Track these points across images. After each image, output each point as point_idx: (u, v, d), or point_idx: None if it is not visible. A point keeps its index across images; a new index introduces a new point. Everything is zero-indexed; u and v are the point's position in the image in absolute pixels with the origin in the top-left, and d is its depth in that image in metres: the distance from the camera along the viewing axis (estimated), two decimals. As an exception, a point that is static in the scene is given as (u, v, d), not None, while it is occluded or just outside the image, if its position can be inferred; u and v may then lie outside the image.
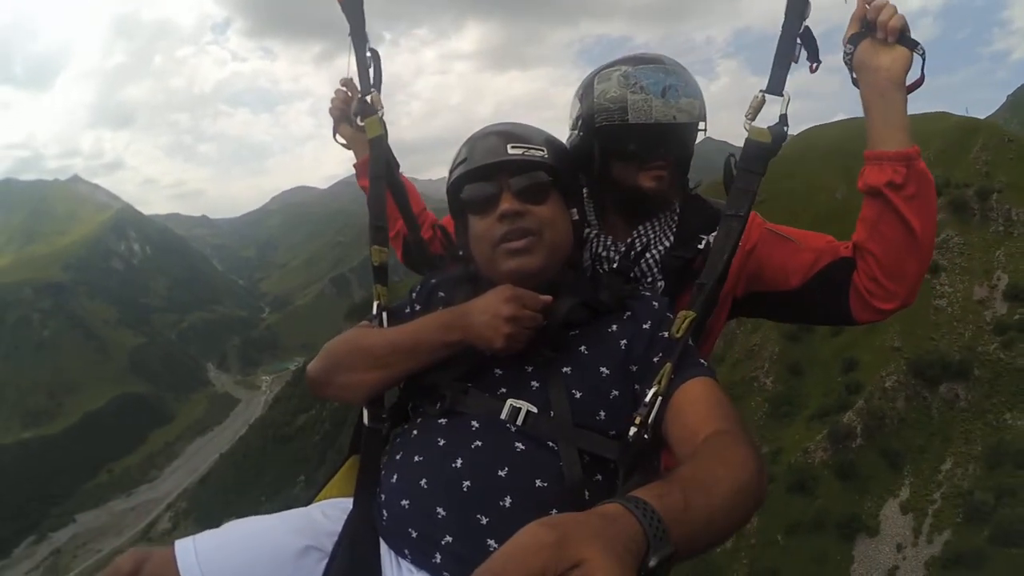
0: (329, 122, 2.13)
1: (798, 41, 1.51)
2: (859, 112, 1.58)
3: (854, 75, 1.57)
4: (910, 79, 1.52)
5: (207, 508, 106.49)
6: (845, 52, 1.58)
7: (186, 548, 1.23)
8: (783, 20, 1.50)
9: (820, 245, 1.69)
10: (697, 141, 1.76)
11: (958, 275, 42.56)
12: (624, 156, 1.67)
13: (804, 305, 1.71)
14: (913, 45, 1.50)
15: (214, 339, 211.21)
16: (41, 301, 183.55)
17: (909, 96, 1.54)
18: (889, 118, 1.50)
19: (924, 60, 1.51)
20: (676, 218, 1.76)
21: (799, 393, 42.99)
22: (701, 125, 1.70)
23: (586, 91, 1.73)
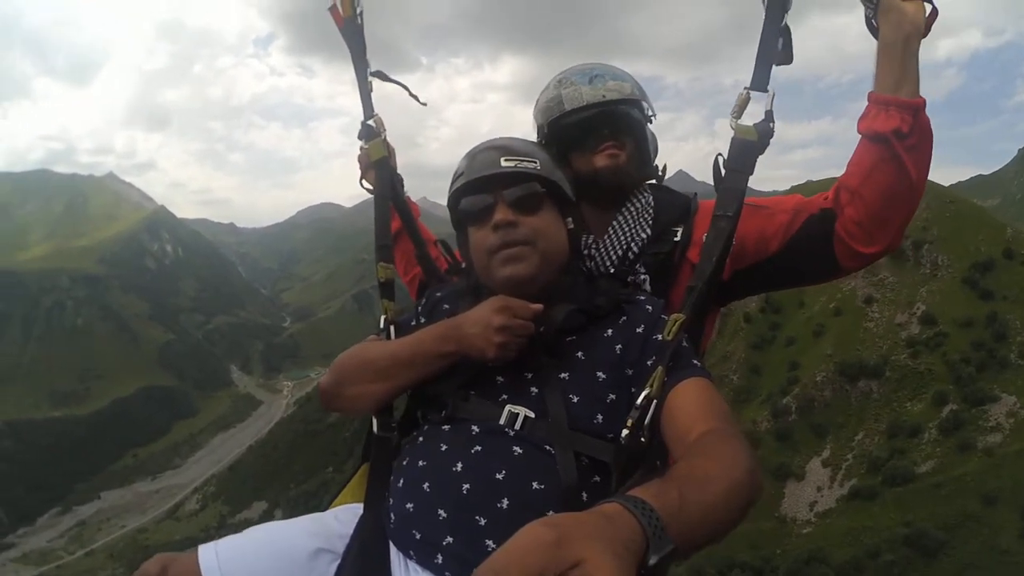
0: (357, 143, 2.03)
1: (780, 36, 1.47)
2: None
3: (872, 18, 1.50)
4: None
5: (236, 492, 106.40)
6: None
7: (208, 552, 1.28)
8: (765, 13, 1.46)
9: (793, 205, 1.68)
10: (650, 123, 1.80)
11: (887, 305, 55.98)
12: (575, 145, 1.73)
13: (788, 266, 1.66)
14: None
15: (238, 343, 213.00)
16: (76, 290, 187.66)
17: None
18: (907, 65, 1.45)
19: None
20: (651, 210, 1.76)
21: (756, 386, 58.05)
22: (645, 106, 1.76)
23: (535, 106, 1.85)
